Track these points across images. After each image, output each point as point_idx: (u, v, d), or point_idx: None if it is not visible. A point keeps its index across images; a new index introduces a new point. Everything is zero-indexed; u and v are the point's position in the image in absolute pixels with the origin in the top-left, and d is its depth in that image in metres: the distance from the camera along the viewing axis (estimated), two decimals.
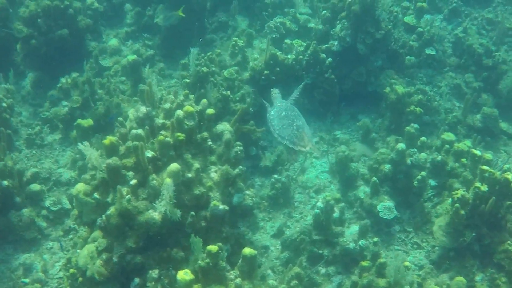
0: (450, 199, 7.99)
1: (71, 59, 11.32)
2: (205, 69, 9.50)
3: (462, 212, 7.64)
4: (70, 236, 8.67)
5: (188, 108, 7.12)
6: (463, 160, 8.71)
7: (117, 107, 9.69)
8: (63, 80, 10.36)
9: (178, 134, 6.98)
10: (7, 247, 8.52)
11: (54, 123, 10.43)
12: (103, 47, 11.90)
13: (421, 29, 11.51)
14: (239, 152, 7.47)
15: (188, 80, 9.57)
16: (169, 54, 11.92)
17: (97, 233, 6.99)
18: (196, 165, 7.04)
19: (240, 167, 7.34)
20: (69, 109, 10.09)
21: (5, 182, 8.35)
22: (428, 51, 11.35)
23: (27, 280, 8.06)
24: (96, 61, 11.22)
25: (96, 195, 6.94)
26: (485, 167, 7.76)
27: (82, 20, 11.65)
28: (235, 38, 10.84)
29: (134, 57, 10.54)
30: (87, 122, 9.15)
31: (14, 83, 11.13)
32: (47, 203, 9.01)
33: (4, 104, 9.84)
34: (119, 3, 12.83)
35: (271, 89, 9.25)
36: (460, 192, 7.77)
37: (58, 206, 8.99)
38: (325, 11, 11.02)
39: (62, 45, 11.30)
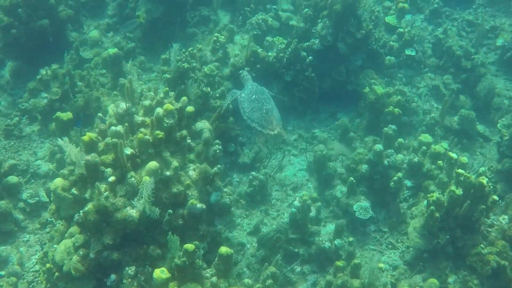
0: (426, 201, 8.11)
1: (52, 49, 11.21)
2: (185, 65, 9.48)
3: (437, 214, 7.78)
4: (47, 229, 8.64)
5: (168, 106, 7.12)
6: (440, 162, 8.85)
7: (96, 100, 9.66)
8: (42, 71, 10.27)
9: (158, 132, 6.99)
10: None
11: (33, 114, 10.33)
12: (83, 38, 11.80)
13: (401, 30, 11.61)
14: (218, 151, 7.51)
15: (168, 76, 9.54)
16: (150, 47, 11.87)
17: (74, 229, 6.98)
18: (175, 163, 7.07)
19: (219, 165, 7.39)
20: (48, 101, 10.01)
21: None
22: (408, 51, 11.47)
23: (3, 273, 8.06)
24: (77, 52, 11.14)
25: (74, 190, 6.91)
26: (460, 170, 7.87)
27: (64, 10, 11.53)
28: (216, 34, 10.83)
29: (115, 50, 10.50)
30: (66, 115, 9.09)
31: None
32: (24, 195, 9.00)
33: None
34: None
35: (240, 71, 9.55)
36: (436, 194, 7.87)
37: (36, 198, 8.98)
38: (307, 9, 11.06)
39: (43, 35, 11.16)
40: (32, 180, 9.37)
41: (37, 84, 10.30)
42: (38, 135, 10.16)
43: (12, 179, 8.93)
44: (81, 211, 6.74)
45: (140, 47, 11.92)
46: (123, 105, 7.55)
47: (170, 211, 6.84)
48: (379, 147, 8.88)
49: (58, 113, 9.13)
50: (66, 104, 9.89)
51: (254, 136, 9.49)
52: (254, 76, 10.09)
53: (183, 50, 9.89)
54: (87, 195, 6.87)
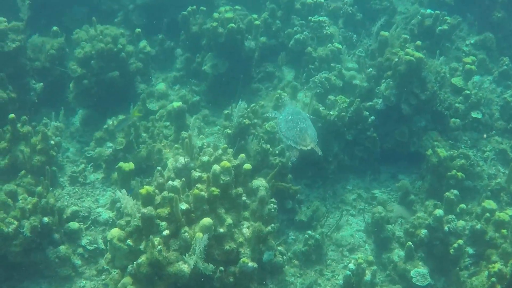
0: (487, 271, 7.78)
1: (120, 99, 11.63)
2: (246, 121, 9.62)
3: (499, 287, 7.41)
4: (103, 277, 8.78)
5: (225, 163, 7.23)
6: (504, 231, 8.45)
7: (158, 152, 9.87)
8: (109, 121, 10.66)
9: (213, 189, 7.09)
10: (42, 282, 8.70)
11: (98, 163, 10.67)
12: (150, 90, 12.19)
13: (468, 92, 11.39)
14: (273, 210, 7.52)
15: (229, 131, 9.72)
16: (214, 100, 12.14)
17: (127, 279, 7.09)
18: (229, 220, 7.12)
19: (273, 225, 7.38)
20: (113, 150, 10.33)
21: (46, 219, 8.55)
22: (474, 114, 11.21)
23: None
24: (143, 104, 11.49)
25: (129, 241, 7.08)
26: None
27: (134, 63, 12.01)
28: (279, 91, 10.93)
29: (180, 104, 10.79)
30: (128, 166, 9.33)
31: (64, 119, 11.51)
32: (83, 241, 9.17)
33: (52, 142, 10.12)
34: (170, 48, 13.17)
35: (283, 96, 10.66)
36: (498, 265, 7.54)
37: (94, 245, 9.13)
38: (371, 69, 11.07)
39: (112, 86, 11.65)
40: (92, 227, 9.57)
41: (103, 133, 10.67)
42: (101, 183, 10.45)
43: (73, 225, 9.17)
44: (134, 263, 6.85)
45: (205, 101, 12.21)
46: (182, 160, 7.71)
47: (221, 268, 6.85)
48: (439, 212, 8.65)
49: (121, 164, 9.38)
50: (129, 154, 10.15)
51: (289, 152, 9.49)
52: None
53: (245, 106, 10.04)
54: (141, 247, 6.99)
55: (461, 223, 8.72)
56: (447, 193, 9.01)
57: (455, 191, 9.04)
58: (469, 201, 9.64)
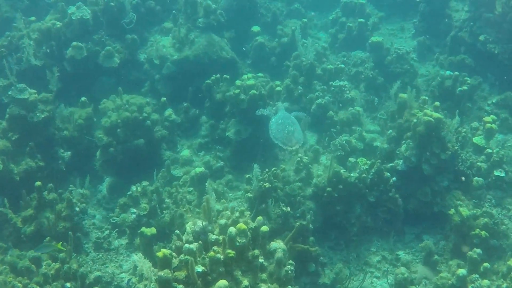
0: None
1: (146, 166, 11.85)
2: (267, 185, 9.71)
3: None
4: None
5: (241, 225, 7.29)
6: None
7: (180, 217, 10.00)
8: (133, 188, 10.85)
9: (229, 251, 7.12)
10: None
11: (122, 229, 10.82)
12: (175, 157, 12.44)
13: (489, 151, 11.32)
14: (290, 272, 7.48)
15: (250, 195, 9.82)
16: (238, 166, 12.27)
17: None
18: (245, 282, 7.09)
19: (290, 287, 7.34)
20: (136, 216, 10.49)
21: (68, 285, 8.71)
22: (497, 173, 11.11)
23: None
24: (168, 170, 11.71)
25: None
26: None
27: (159, 130, 12.26)
28: (300, 155, 11.03)
29: (202, 169, 11.04)
30: (150, 231, 9.45)
31: (92, 187, 11.80)
32: None
33: (77, 209, 10.38)
34: (195, 116, 13.46)
35: (276, 103, 11.69)
36: None
37: None
38: (391, 131, 11.15)
39: (138, 153, 11.89)
40: None
41: (127, 200, 10.85)
42: (125, 248, 10.58)
43: None
44: None
45: (229, 166, 12.36)
46: (200, 223, 7.80)
47: None
48: (462, 272, 8.53)
49: (143, 229, 9.51)
50: (153, 220, 10.30)
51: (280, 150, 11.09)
52: (336, 196, 10.20)
53: (267, 170, 10.14)
54: None
55: (485, 282, 8.55)
56: (470, 252, 8.90)
57: (478, 250, 8.91)
58: (495, 260, 9.47)
